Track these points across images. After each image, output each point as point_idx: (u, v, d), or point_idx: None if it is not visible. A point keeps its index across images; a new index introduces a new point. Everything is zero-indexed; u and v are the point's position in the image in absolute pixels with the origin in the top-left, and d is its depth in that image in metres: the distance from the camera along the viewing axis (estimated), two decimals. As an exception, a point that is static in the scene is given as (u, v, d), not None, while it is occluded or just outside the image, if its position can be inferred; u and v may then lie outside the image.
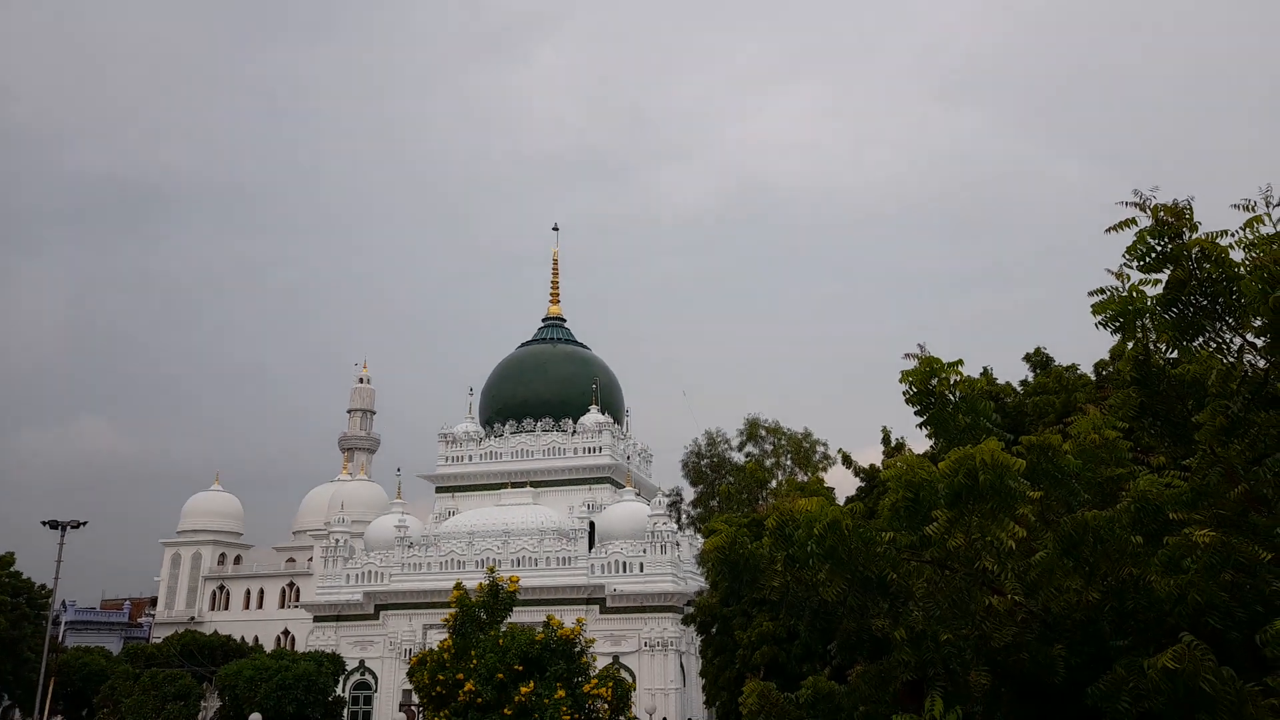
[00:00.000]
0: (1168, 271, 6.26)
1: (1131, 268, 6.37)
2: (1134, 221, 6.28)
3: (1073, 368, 23.58)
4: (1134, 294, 6.32)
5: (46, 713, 43.37)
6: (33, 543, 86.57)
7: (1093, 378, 22.35)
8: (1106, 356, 20.96)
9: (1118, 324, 6.43)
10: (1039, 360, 25.04)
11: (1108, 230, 6.26)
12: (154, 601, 76.11)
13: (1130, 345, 6.78)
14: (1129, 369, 6.59)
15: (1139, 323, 6.42)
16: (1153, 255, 6.23)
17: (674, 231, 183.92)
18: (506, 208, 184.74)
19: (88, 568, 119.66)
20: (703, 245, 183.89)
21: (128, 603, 77.59)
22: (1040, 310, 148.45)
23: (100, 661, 46.82)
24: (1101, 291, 6.42)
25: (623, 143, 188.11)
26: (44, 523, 43.85)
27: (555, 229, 69.98)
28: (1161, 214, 6.14)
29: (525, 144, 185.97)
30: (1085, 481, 7.23)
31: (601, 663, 22.42)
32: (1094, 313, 6.33)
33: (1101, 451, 7.41)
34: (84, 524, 44.21)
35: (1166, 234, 6.16)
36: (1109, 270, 6.52)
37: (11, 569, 47.97)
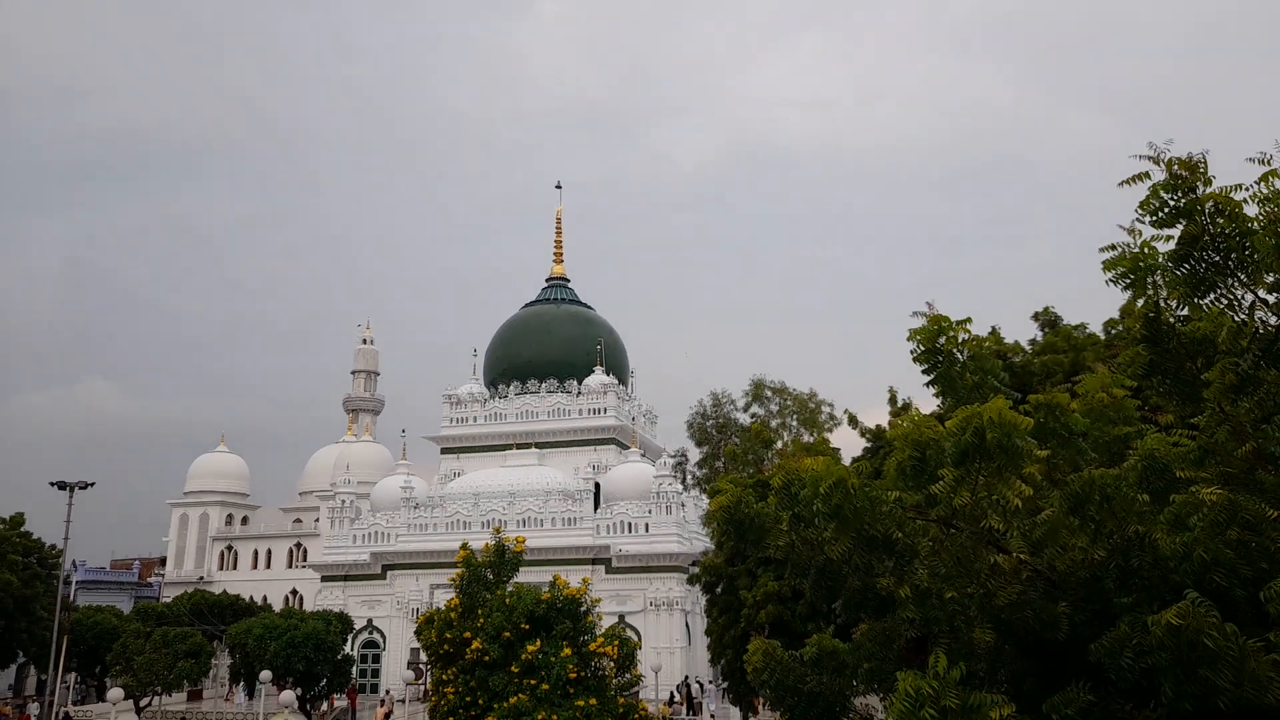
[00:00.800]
0: (1180, 227, 6.16)
1: (1144, 223, 6.27)
2: (1147, 175, 6.16)
3: (1081, 326, 23.46)
4: (1145, 250, 6.22)
5: (61, 669, 44.15)
6: (41, 504, 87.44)
7: (1102, 337, 22.25)
8: (1116, 315, 20.85)
9: (1128, 281, 6.34)
10: (1047, 319, 24.91)
11: (1120, 184, 6.15)
12: (163, 562, 77.07)
13: (1140, 303, 6.70)
14: (1138, 326, 6.52)
15: (1150, 279, 6.33)
16: (1165, 210, 6.13)
17: (678, 188, 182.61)
18: (509, 166, 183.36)
19: (97, 528, 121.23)
20: (707, 202, 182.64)
21: (137, 563, 78.57)
22: (1049, 268, 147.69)
23: (112, 620, 47.53)
24: (1113, 248, 6.32)
25: (625, 97, 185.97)
26: (52, 483, 44.22)
27: (558, 187, 69.52)
28: (1175, 167, 6.03)
29: (526, 100, 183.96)
30: (1093, 441, 7.20)
31: (607, 622, 22.63)
32: (1104, 269, 6.24)
33: (1109, 410, 7.37)
34: (91, 485, 44.59)
35: (1180, 188, 6.05)
36: (1121, 226, 6.43)
37: (22, 529, 48.53)
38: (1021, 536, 5.91)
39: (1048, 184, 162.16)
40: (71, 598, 50.48)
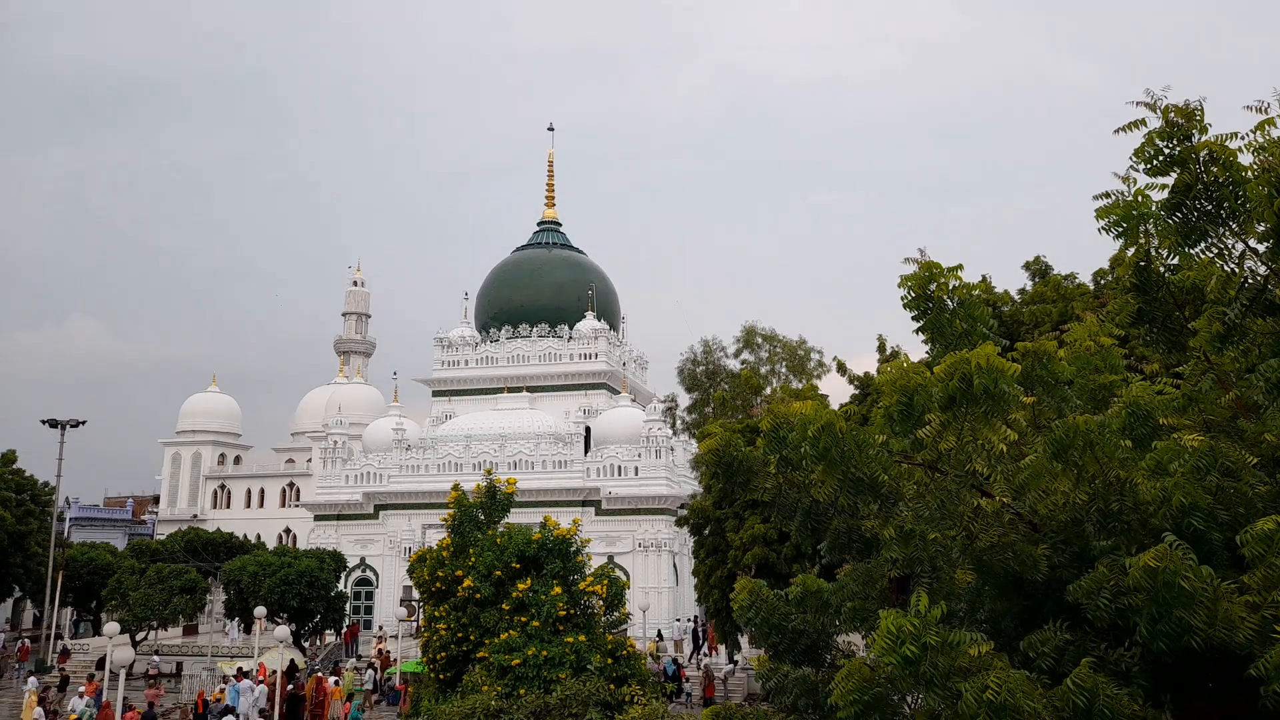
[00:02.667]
0: (1174, 175, 6.15)
1: (1138, 171, 6.25)
2: (1143, 123, 6.12)
3: (1071, 276, 23.52)
4: (1139, 198, 6.22)
5: (57, 604, 44.71)
6: (33, 442, 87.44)
7: (1091, 287, 22.31)
8: (1106, 265, 20.89)
9: (1121, 229, 6.34)
10: (1038, 269, 24.95)
11: (1116, 131, 6.11)
12: (156, 500, 77.58)
13: (1131, 251, 6.71)
14: (1128, 275, 6.54)
15: (1142, 228, 6.34)
16: (1160, 158, 6.10)
17: (671, 132, 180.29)
18: (501, 107, 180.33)
19: (90, 467, 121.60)
20: (700, 147, 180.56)
21: (130, 501, 79.03)
22: (1041, 219, 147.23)
23: (106, 556, 47.97)
24: (1106, 195, 6.31)
25: (619, 38, 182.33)
26: (43, 421, 44.30)
27: (550, 129, 68.64)
28: (1172, 115, 5.99)
29: (518, 40, 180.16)
30: (1078, 388, 7.29)
31: (597, 562, 23.01)
32: (1097, 217, 6.24)
33: (1096, 359, 7.44)
34: (83, 423, 44.67)
35: (1175, 136, 6.02)
36: (1115, 174, 6.40)
37: (14, 466, 48.65)
38: (1005, 480, 6.01)
39: (1043, 133, 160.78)
40: (65, 534, 50.95)
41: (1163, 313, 6.59)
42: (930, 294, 6.90)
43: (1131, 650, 5.44)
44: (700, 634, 42.20)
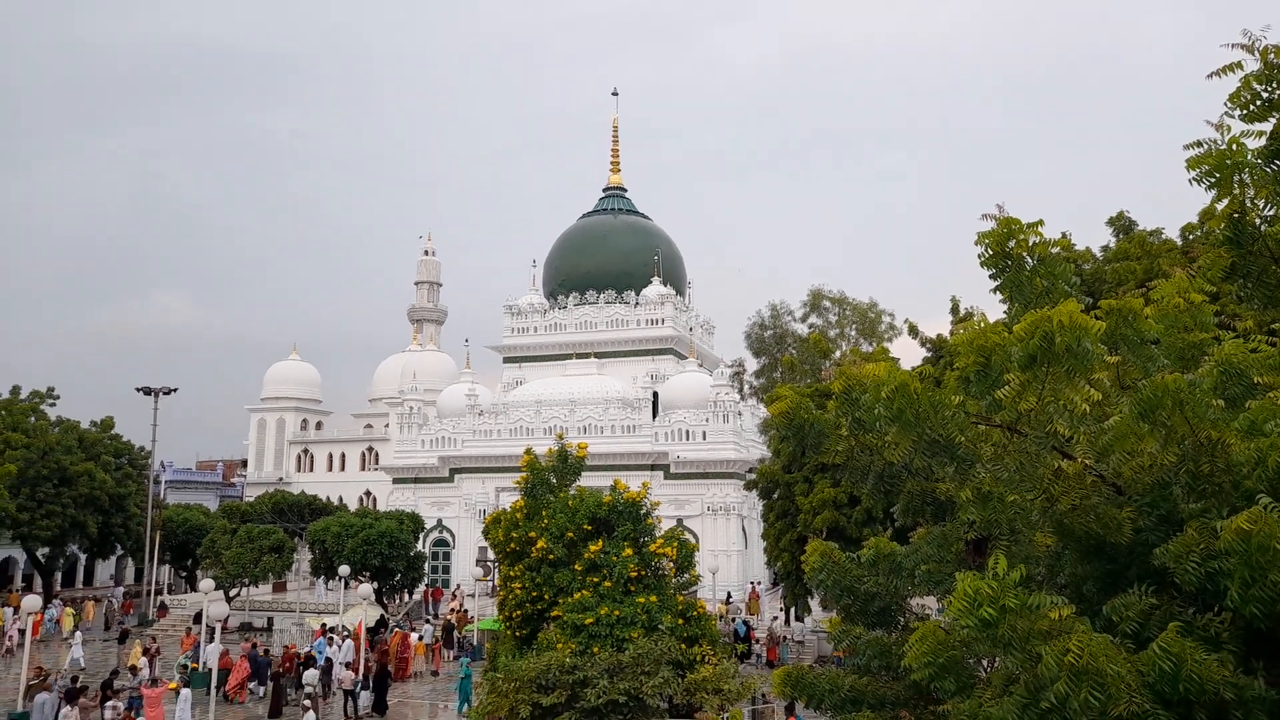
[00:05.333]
0: (1273, 121, 5.82)
1: (1233, 118, 5.93)
2: (1239, 66, 5.79)
3: (1157, 232, 22.53)
4: (1234, 146, 5.90)
5: (155, 562, 47.23)
6: (128, 409, 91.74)
7: (1178, 242, 21.35)
8: (1195, 219, 19.93)
9: (1213, 179, 6.03)
10: (1121, 225, 23.94)
11: (1210, 75, 5.80)
12: (244, 464, 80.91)
13: (1224, 203, 6.40)
14: (1222, 228, 6.24)
15: (1237, 178, 6.02)
16: (1258, 103, 5.78)
17: (735, 95, 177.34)
18: (566, 74, 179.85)
19: (181, 432, 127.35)
20: (766, 109, 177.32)
21: (220, 464, 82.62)
22: (1124, 173, 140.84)
23: (200, 517, 50.41)
24: (1198, 144, 6.00)
25: (681, 1, 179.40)
26: (137, 389, 46.47)
27: (615, 94, 68.40)
28: (1271, 56, 5.65)
29: (582, 4, 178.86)
30: (1166, 347, 7.01)
31: (666, 525, 23.23)
32: (1188, 167, 5.94)
33: (1185, 316, 7.14)
34: (174, 390, 46.76)
35: (1275, 79, 5.69)
36: (1208, 121, 6.08)
37: (112, 432, 51.29)
38: (1088, 442, 5.85)
39: (1123, 83, 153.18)
40: (161, 496, 53.58)
41: (1258, 267, 6.28)
42: (1009, 251, 6.70)
43: (1221, 615, 5.28)
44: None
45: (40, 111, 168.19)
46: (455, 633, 35.34)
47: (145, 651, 29.20)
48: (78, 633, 34.75)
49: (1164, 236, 22.38)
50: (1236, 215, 6.04)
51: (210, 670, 24.54)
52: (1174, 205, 21.35)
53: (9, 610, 37.62)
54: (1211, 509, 5.43)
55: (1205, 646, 4.91)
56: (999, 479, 5.98)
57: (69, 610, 42.00)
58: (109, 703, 21.36)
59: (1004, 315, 8.56)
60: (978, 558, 7.24)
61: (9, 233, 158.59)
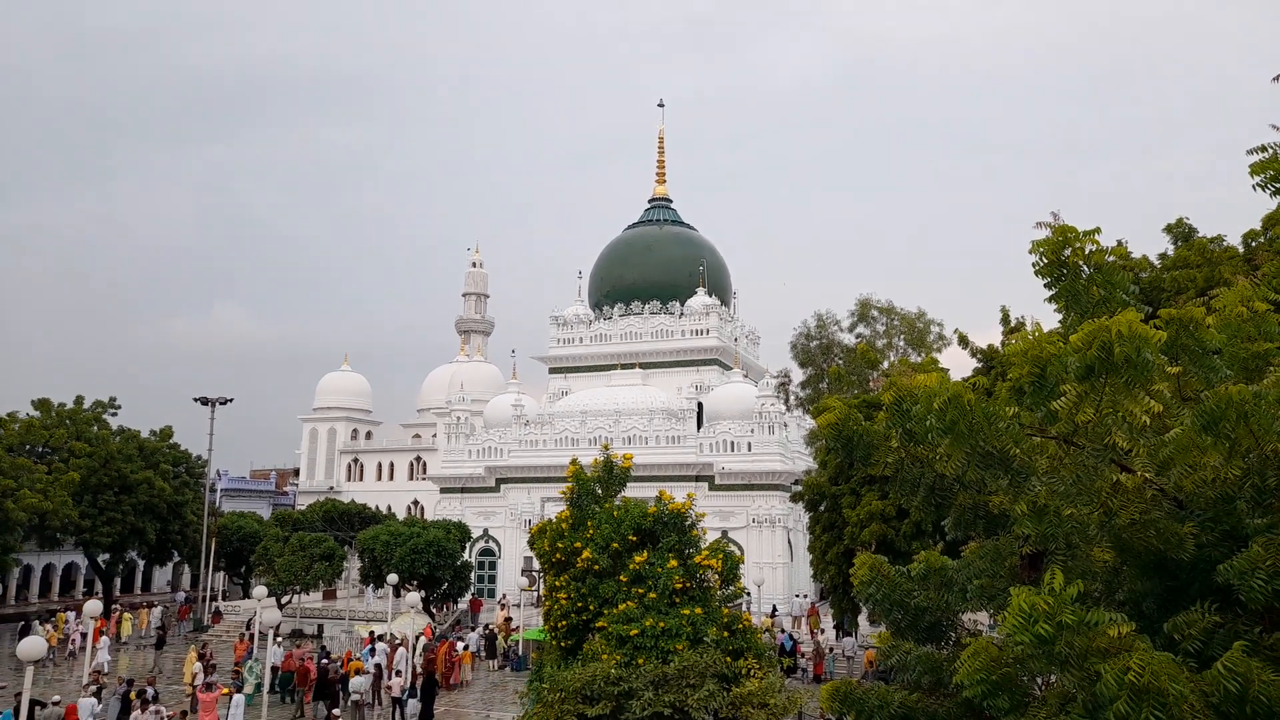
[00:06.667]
0: (1343, 125, 5.65)
1: (1301, 121, 5.77)
2: (1308, 69, 5.65)
3: (1218, 239, 21.88)
4: (1301, 151, 5.74)
5: (211, 568, 48.32)
6: (186, 418, 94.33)
7: (1240, 250, 20.72)
8: (1258, 226, 19.34)
9: (1278, 185, 5.88)
10: (1180, 232, 23.30)
11: (1276, 78, 5.65)
12: (296, 473, 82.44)
13: (1291, 210, 6.21)
14: (1288, 235, 6.07)
15: (1304, 183, 5.86)
16: (1327, 107, 5.62)
17: (782, 104, 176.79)
18: (612, 86, 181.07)
19: (236, 441, 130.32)
20: (813, 118, 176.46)
21: (273, 473, 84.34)
22: (1181, 180, 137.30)
23: (254, 525, 51.45)
24: (1263, 149, 5.85)
25: (729, 10, 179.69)
26: (195, 399, 47.69)
27: (660, 105, 68.52)
28: (1342, 59, 5.50)
29: (629, 16, 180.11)
30: (1228, 357, 6.81)
31: (711, 536, 23.13)
32: (1252, 173, 5.79)
33: (1249, 326, 6.93)
34: (230, 401, 47.85)
35: (1346, 82, 5.53)
36: (1273, 125, 5.93)
37: (170, 441, 52.66)
38: (1148, 455, 5.70)
39: (1182, 87, 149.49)
40: (217, 504, 54.83)
41: (1328, 274, 6.08)
42: (1064, 260, 6.58)
43: (1290, 635, 5.11)
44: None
45: (122, 128, 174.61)
46: (498, 642, 35.51)
47: (200, 657, 29.85)
48: (104, 638, 33.98)
49: (1225, 244, 21.74)
50: (1303, 221, 5.86)
51: (264, 673, 24.97)
52: (1235, 211, 20.73)
53: (71, 615, 38.76)
54: (1278, 524, 5.26)
55: (1273, 667, 4.74)
56: (1055, 492, 5.85)
57: (127, 616, 43.10)
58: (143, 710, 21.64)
59: (1058, 325, 8.38)
60: (1032, 573, 7.08)
61: (84, 245, 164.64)
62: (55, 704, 21.59)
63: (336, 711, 21.88)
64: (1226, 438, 5.18)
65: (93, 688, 23.53)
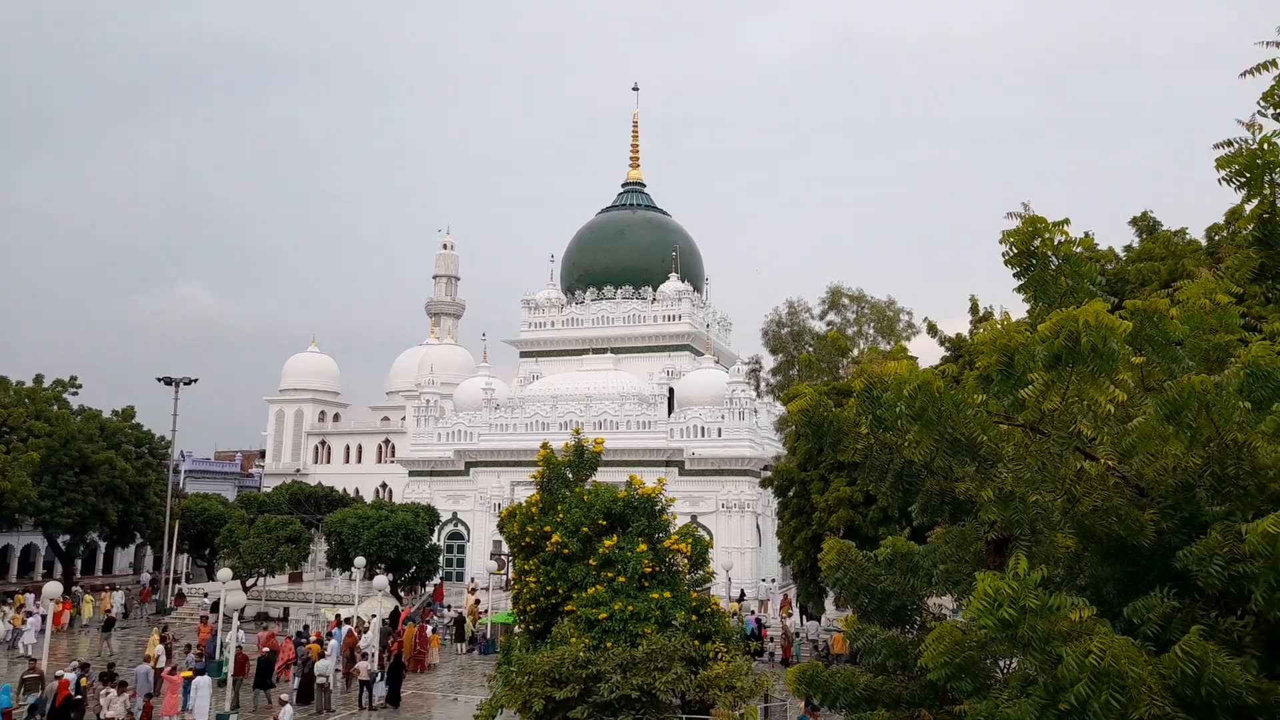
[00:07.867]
0: (1307, 121, 5.75)
1: (1265, 116, 5.87)
2: (1273, 64, 5.73)
3: (1181, 232, 22.27)
4: (1265, 146, 5.84)
5: (174, 551, 47.72)
6: (149, 399, 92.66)
7: (1203, 243, 21.11)
8: (1221, 220, 19.70)
9: (1243, 179, 5.97)
10: (1145, 224, 23.68)
11: (1243, 74, 5.73)
12: (262, 454, 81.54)
13: (1253, 204, 6.32)
14: (1251, 228, 6.17)
15: (1267, 177, 5.96)
16: (1292, 102, 5.71)
17: (756, 90, 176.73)
18: (586, 69, 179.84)
19: (200, 422, 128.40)
20: (788, 102, 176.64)
21: (239, 455, 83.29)
22: (1146, 173, 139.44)
23: (218, 507, 50.85)
24: (1228, 144, 5.94)
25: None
26: (159, 379, 46.94)
27: (635, 89, 68.17)
28: (1307, 55, 5.58)
29: (603, 0, 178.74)
30: (1191, 348, 6.94)
31: (681, 521, 23.22)
32: (1218, 166, 5.88)
33: (1211, 318, 7.06)
34: (195, 381, 47.15)
35: (1310, 78, 5.62)
36: (1239, 121, 6.02)
37: (133, 421, 51.82)
38: (1111, 443, 5.80)
39: (1148, 81, 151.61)
40: (180, 485, 54.11)
41: (1288, 268, 6.21)
42: (1033, 250, 6.65)
43: (1244, 619, 5.23)
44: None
45: (70, 106, 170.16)
46: (466, 625, 35.49)
47: (162, 640, 29.50)
48: (31, 618, 32.82)
49: (1189, 237, 22.13)
50: (1267, 216, 5.97)
51: (228, 658, 24.73)
52: (1195, 206, 21.13)
53: (30, 597, 38.10)
54: (1236, 512, 5.38)
55: (1228, 650, 4.86)
56: (1021, 479, 5.94)
57: (88, 598, 42.46)
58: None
59: (1025, 315, 8.48)
60: (997, 558, 7.19)
61: (38, 224, 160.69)
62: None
63: (285, 696, 21.72)
64: (1188, 427, 5.28)
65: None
